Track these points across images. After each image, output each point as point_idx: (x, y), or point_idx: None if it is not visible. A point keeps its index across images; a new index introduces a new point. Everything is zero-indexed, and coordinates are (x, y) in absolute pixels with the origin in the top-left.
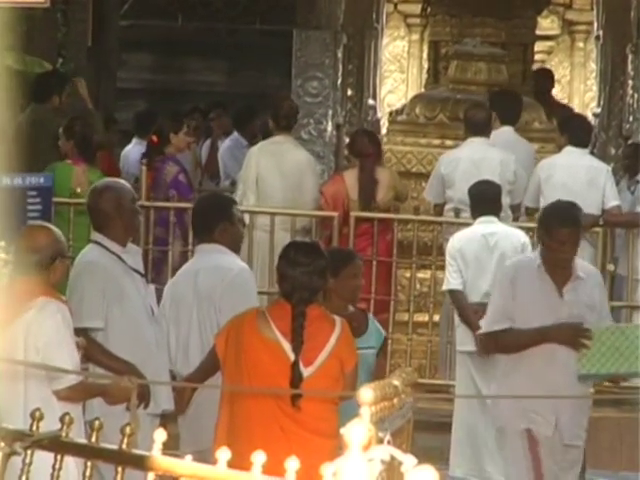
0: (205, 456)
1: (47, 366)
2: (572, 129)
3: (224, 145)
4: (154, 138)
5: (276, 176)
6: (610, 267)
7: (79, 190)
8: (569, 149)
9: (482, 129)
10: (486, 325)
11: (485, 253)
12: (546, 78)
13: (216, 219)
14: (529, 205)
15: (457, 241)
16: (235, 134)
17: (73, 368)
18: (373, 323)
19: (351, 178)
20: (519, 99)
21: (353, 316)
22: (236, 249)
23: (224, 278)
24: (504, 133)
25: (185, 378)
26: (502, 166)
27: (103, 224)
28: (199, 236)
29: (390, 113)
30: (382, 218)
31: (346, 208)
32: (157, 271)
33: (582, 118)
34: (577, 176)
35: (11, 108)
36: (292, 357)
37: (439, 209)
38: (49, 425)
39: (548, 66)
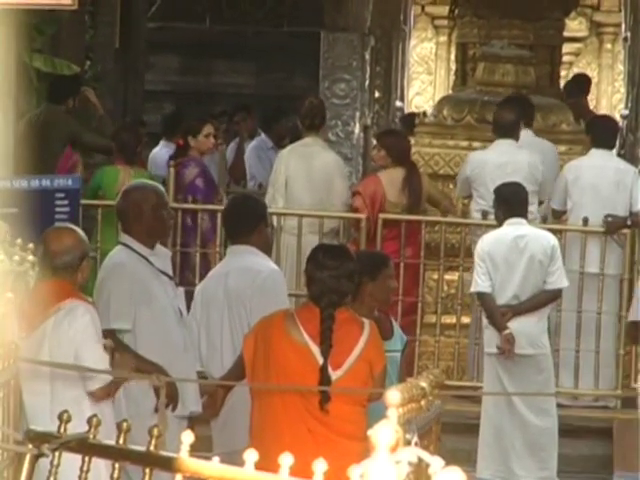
0: (238, 458)
1: (76, 366)
2: (596, 130)
3: (249, 147)
4: (180, 141)
5: (304, 179)
6: None
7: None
8: (595, 151)
9: (509, 131)
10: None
11: (514, 255)
12: (584, 83)
13: (253, 221)
14: (556, 208)
15: (486, 243)
16: (261, 136)
17: (103, 368)
18: (397, 329)
19: (387, 179)
20: (529, 102)
21: (379, 320)
22: (268, 251)
23: (255, 280)
24: (524, 136)
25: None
26: (530, 168)
27: (128, 226)
28: (232, 238)
29: (417, 115)
30: (410, 220)
31: (382, 209)
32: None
33: (607, 119)
34: (605, 178)
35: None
36: (320, 360)
37: (468, 202)
38: (78, 426)
39: (575, 68)
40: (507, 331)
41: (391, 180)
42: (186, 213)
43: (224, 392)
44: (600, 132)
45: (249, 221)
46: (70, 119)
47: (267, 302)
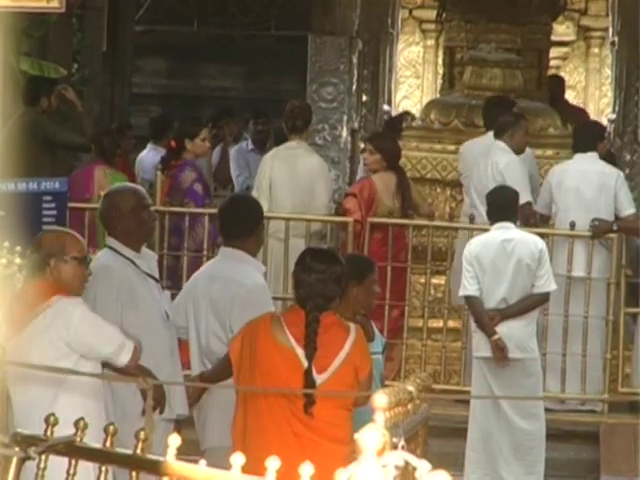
0: (223, 454)
1: (54, 368)
2: (579, 135)
3: (232, 151)
4: (172, 143)
5: (288, 182)
6: (628, 272)
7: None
8: (580, 155)
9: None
10: None
11: (502, 259)
12: (557, 85)
13: (252, 223)
14: (541, 212)
15: (474, 247)
16: (245, 140)
17: (120, 339)
18: (376, 330)
19: (380, 182)
20: (506, 106)
21: (361, 322)
22: (257, 255)
23: (235, 294)
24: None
25: (199, 375)
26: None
27: (111, 229)
28: (228, 238)
29: (404, 116)
30: (396, 223)
31: (375, 213)
32: (172, 278)
33: (591, 123)
34: (589, 182)
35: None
36: (305, 364)
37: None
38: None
39: (563, 72)
40: (496, 336)
41: (384, 184)
42: (180, 217)
43: (199, 388)
44: (583, 136)
45: (249, 222)
46: (43, 120)
47: (246, 318)
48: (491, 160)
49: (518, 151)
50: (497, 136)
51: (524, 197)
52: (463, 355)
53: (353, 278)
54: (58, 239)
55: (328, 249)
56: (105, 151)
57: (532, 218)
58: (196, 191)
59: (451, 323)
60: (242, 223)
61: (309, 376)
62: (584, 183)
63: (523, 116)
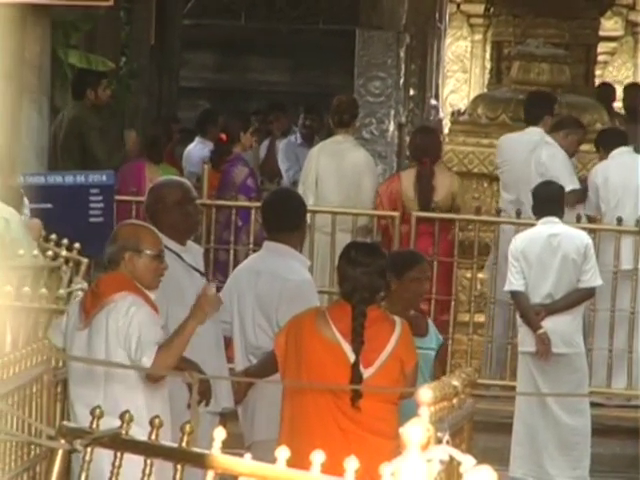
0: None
1: (115, 364)
2: (611, 133)
3: (280, 145)
4: (223, 136)
5: (334, 176)
6: None
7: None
8: (617, 151)
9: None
10: None
11: (548, 254)
12: (607, 94)
13: (297, 218)
14: (591, 214)
15: (520, 242)
16: (296, 134)
17: (149, 349)
18: (432, 327)
19: (408, 178)
20: (548, 101)
21: (414, 318)
22: (301, 249)
23: (282, 289)
24: (535, 134)
25: (243, 371)
26: None
27: (156, 222)
28: (272, 232)
29: (452, 113)
30: (443, 218)
31: (402, 207)
32: (222, 272)
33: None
34: (634, 174)
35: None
36: (352, 358)
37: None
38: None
39: (611, 67)
40: (541, 330)
41: (412, 178)
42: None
43: (247, 382)
44: (612, 137)
45: (293, 217)
46: (86, 117)
47: (293, 313)
48: (536, 153)
49: (566, 153)
50: (552, 130)
51: (570, 185)
52: (486, 349)
53: (392, 272)
54: (134, 233)
55: (372, 243)
56: (155, 141)
57: (580, 201)
58: (250, 186)
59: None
60: (286, 217)
61: (356, 370)
62: (629, 177)
63: (584, 126)
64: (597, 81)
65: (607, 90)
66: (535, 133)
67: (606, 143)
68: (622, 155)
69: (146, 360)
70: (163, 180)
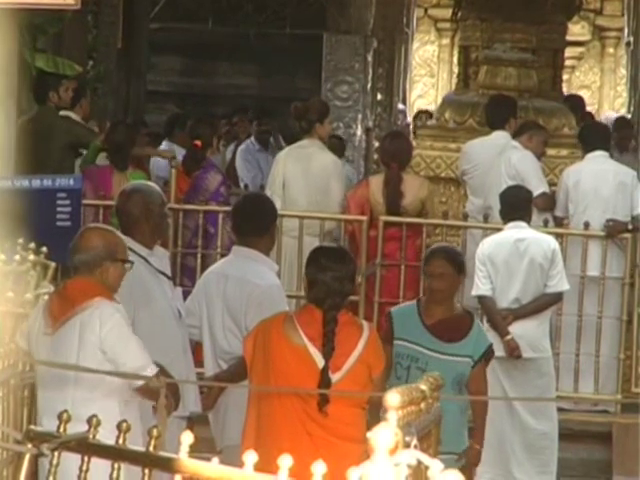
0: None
1: (88, 369)
2: (589, 135)
3: (239, 151)
4: (198, 143)
5: (301, 180)
6: None
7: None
8: (592, 155)
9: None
10: None
11: (515, 259)
12: (576, 102)
13: (267, 221)
14: (559, 215)
15: (487, 246)
16: (250, 139)
17: (145, 361)
18: (478, 330)
19: (377, 183)
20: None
21: (456, 319)
22: (270, 253)
23: (250, 294)
24: (501, 137)
25: (214, 376)
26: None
27: (131, 227)
28: (242, 236)
29: (416, 113)
30: (411, 223)
31: (369, 212)
32: (189, 276)
33: (597, 124)
34: (605, 180)
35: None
36: (320, 363)
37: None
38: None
39: (577, 72)
40: (509, 337)
41: (380, 183)
42: (207, 217)
43: (218, 388)
44: (593, 136)
45: (263, 221)
46: (57, 115)
47: (261, 318)
48: (504, 157)
49: (535, 155)
50: (516, 136)
51: (540, 188)
52: None
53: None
54: (111, 241)
55: (339, 247)
56: (119, 147)
57: (549, 207)
58: (222, 193)
59: None
60: (256, 222)
61: (325, 375)
62: (601, 182)
63: (545, 127)
64: (564, 86)
65: (575, 99)
66: (501, 137)
67: (587, 139)
68: (596, 159)
69: (149, 372)
70: (132, 185)
